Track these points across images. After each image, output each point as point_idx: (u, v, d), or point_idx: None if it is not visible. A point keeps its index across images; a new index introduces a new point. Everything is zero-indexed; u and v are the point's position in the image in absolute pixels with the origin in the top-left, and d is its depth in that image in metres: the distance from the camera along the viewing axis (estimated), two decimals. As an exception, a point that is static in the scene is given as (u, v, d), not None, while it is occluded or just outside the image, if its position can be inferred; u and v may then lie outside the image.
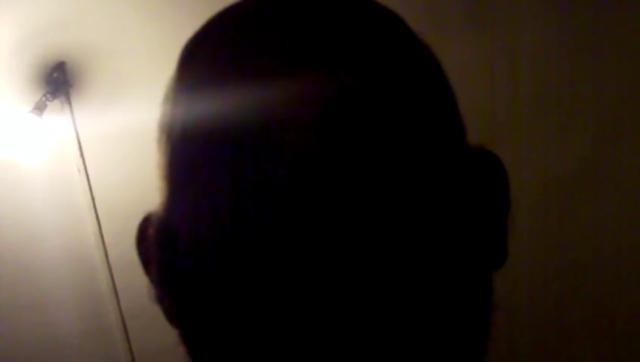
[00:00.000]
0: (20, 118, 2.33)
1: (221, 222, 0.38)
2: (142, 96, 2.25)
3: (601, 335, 2.69)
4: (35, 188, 2.56)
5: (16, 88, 2.37)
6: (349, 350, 0.36)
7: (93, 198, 2.58)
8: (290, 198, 0.36)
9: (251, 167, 0.38)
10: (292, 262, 0.36)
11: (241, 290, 0.38)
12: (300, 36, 0.40)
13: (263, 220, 0.37)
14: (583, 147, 2.45)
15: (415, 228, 0.37)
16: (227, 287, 0.38)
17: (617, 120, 2.40)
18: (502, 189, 0.47)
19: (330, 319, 0.36)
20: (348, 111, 0.38)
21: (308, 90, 0.38)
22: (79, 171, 2.52)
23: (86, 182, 2.54)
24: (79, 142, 2.47)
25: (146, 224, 0.47)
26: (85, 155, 2.49)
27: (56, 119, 2.42)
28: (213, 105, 0.41)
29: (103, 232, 2.66)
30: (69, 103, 2.41)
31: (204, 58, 0.43)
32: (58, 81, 2.35)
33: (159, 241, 0.44)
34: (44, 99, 2.34)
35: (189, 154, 0.41)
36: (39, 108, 2.32)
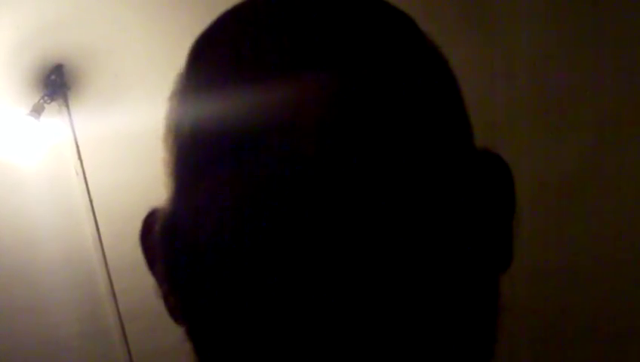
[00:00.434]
0: (18, 121, 2.33)
1: (225, 222, 0.38)
2: (140, 98, 2.25)
3: (601, 335, 2.69)
4: (33, 190, 2.56)
5: (13, 91, 2.37)
6: (354, 351, 0.36)
7: (91, 201, 2.58)
8: (293, 199, 0.36)
9: (254, 167, 0.38)
10: (295, 261, 0.36)
11: (245, 289, 0.38)
12: (306, 37, 0.40)
13: (266, 220, 0.37)
14: (582, 148, 2.45)
15: (420, 231, 0.37)
16: (232, 285, 0.38)
17: (617, 120, 2.41)
18: (508, 192, 0.47)
19: (335, 320, 0.36)
20: (352, 112, 0.38)
21: (312, 91, 0.38)
22: (77, 174, 2.52)
23: (84, 185, 2.54)
24: (77, 145, 2.47)
25: (151, 219, 0.47)
26: (83, 158, 2.49)
27: (54, 122, 2.42)
28: (219, 106, 0.41)
29: (101, 234, 2.66)
30: (67, 106, 2.41)
31: (212, 57, 0.43)
32: (56, 83, 2.35)
33: (166, 237, 0.44)
34: (41, 101, 2.34)
35: (195, 153, 0.41)
36: (37, 110, 2.32)
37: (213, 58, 0.43)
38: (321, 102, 0.38)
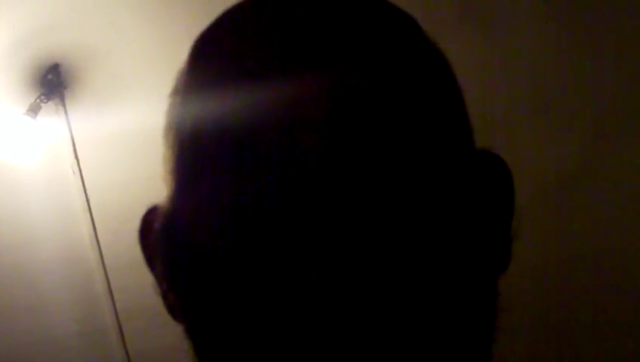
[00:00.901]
0: (15, 120, 2.33)
1: (226, 220, 0.39)
2: (136, 97, 2.25)
3: (601, 334, 2.69)
4: (29, 190, 2.55)
5: (10, 90, 2.36)
6: (353, 351, 0.36)
7: (88, 200, 2.58)
8: (293, 198, 0.36)
9: (255, 166, 0.38)
10: (295, 261, 0.36)
11: (245, 288, 0.38)
12: (307, 36, 0.40)
13: (266, 219, 0.37)
14: (580, 146, 2.45)
15: (421, 231, 0.37)
16: (231, 284, 0.38)
17: (615, 119, 2.41)
18: (507, 193, 0.47)
19: (334, 320, 0.36)
20: (352, 112, 0.38)
21: (313, 90, 0.38)
22: (74, 173, 2.51)
23: (81, 184, 2.54)
24: (74, 144, 2.47)
25: (150, 216, 0.47)
26: (80, 157, 2.49)
27: (51, 121, 2.42)
28: (222, 104, 0.41)
29: (98, 233, 2.66)
30: (64, 105, 2.41)
31: (214, 55, 0.43)
32: (52, 83, 2.35)
33: (165, 235, 0.44)
34: (38, 101, 2.34)
35: (196, 151, 0.41)
36: (33, 110, 2.32)
37: (215, 56, 0.43)
38: (322, 102, 0.38)
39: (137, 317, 2.75)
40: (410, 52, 0.42)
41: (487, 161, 0.46)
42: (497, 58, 2.33)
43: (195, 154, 0.42)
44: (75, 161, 2.49)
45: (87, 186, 2.55)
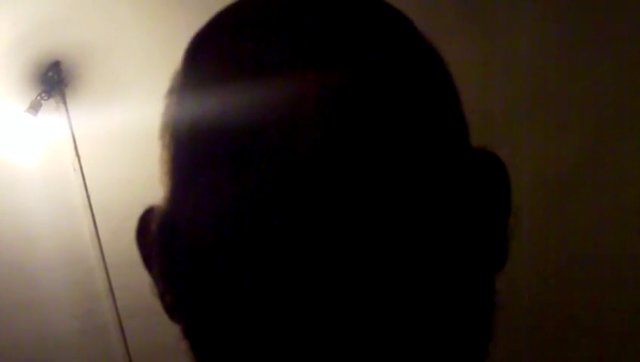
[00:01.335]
0: (16, 118, 2.33)
1: (223, 221, 0.39)
2: (137, 95, 2.25)
3: (601, 334, 2.69)
4: (30, 187, 2.56)
5: (11, 87, 2.36)
6: (350, 349, 0.36)
7: (88, 197, 2.58)
8: (291, 197, 0.36)
9: (253, 166, 0.38)
10: (292, 261, 0.36)
11: (242, 288, 0.38)
12: (304, 35, 0.40)
13: (264, 219, 0.37)
14: (580, 146, 2.45)
15: (418, 229, 0.37)
16: (228, 285, 0.38)
17: (615, 118, 2.41)
18: (503, 191, 0.47)
19: (332, 319, 0.36)
20: (350, 111, 0.38)
21: (311, 89, 0.38)
22: (74, 170, 2.51)
23: (81, 181, 2.54)
24: (74, 141, 2.47)
25: (147, 217, 0.47)
26: (80, 154, 2.49)
27: (52, 118, 2.42)
28: (218, 103, 0.41)
29: (99, 231, 2.66)
30: (64, 102, 2.41)
31: (210, 55, 0.43)
32: (53, 80, 2.35)
33: (162, 236, 0.44)
34: (39, 98, 2.34)
35: (193, 151, 0.41)
36: (34, 107, 2.32)
37: (211, 55, 0.43)
38: (320, 100, 0.38)
39: (138, 314, 2.75)
40: (406, 51, 0.42)
41: (483, 159, 0.46)
42: (497, 57, 2.33)
43: (191, 154, 0.42)
44: (76, 158, 2.49)
45: (87, 183, 2.55)
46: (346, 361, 0.36)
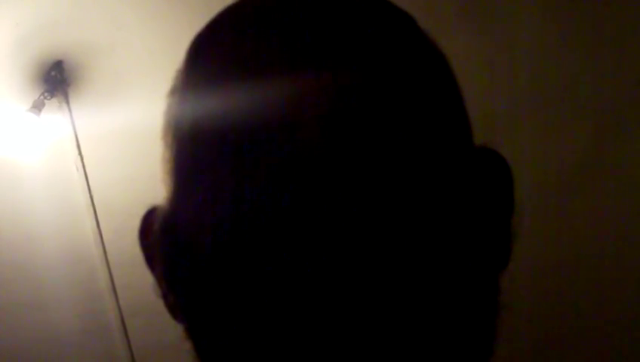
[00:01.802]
0: (18, 117, 2.33)
1: (225, 221, 0.38)
2: (140, 94, 2.26)
3: (601, 334, 2.69)
4: (33, 186, 2.56)
5: (14, 87, 2.37)
6: (353, 349, 0.36)
7: (91, 196, 2.58)
8: (293, 197, 0.36)
9: (255, 165, 0.38)
10: (295, 260, 0.36)
11: (245, 288, 0.38)
12: (306, 34, 0.40)
13: (266, 219, 0.37)
14: (582, 144, 2.45)
15: (421, 228, 0.37)
16: (231, 285, 0.38)
17: (617, 117, 2.40)
18: (507, 189, 0.47)
19: (335, 318, 0.36)
20: (352, 110, 0.38)
21: (313, 88, 0.38)
22: (77, 169, 2.52)
23: (84, 181, 2.54)
24: (77, 141, 2.47)
25: (150, 217, 0.47)
26: (83, 153, 2.49)
27: (55, 118, 2.42)
28: (220, 103, 0.40)
29: (102, 230, 2.66)
30: (67, 102, 2.41)
31: (212, 54, 0.43)
32: (56, 79, 2.35)
33: (165, 236, 0.44)
34: (42, 97, 2.34)
35: (195, 151, 0.41)
36: (37, 106, 2.32)
37: (213, 55, 0.43)
38: (322, 99, 0.38)
39: (141, 313, 2.76)
40: (408, 50, 0.42)
41: (486, 158, 0.46)
42: (499, 55, 2.33)
43: (193, 154, 0.41)
44: (79, 157, 2.49)
45: (90, 183, 2.56)
46: (351, 361, 0.36)
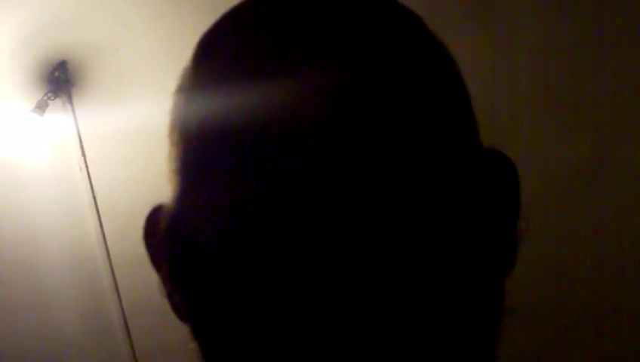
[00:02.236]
0: (22, 117, 2.34)
1: (230, 220, 0.38)
2: (144, 94, 2.26)
3: (601, 334, 2.68)
4: (36, 186, 2.56)
5: (17, 87, 2.37)
6: (357, 350, 0.36)
7: (94, 197, 2.58)
8: (297, 196, 0.36)
9: (259, 164, 0.38)
10: (300, 260, 0.36)
11: (250, 288, 0.38)
12: (312, 34, 0.40)
13: (271, 218, 0.37)
14: (583, 145, 2.45)
15: (426, 229, 0.37)
16: (236, 285, 0.38)
17: (618, 118, 2.40)
18: (513, 191, 0.47)
19: (339, 320, 0.36)
20: (356, 109, 0.38)
21: (318, 88, 0.38)
22: (81, 170, 2.52)
23: (88, 181, 2.55)
24: (81, 141, 2.48)
25: (155, 216, 0.47)
26: (87, 154, 2.50)
27: (58, 118, 2.42)
28: (226, 103, 0.41)
29: (105, 231, 2.66)
30: (71, 102, 2.41)
31: (219, 54, 0.43)
32: (60, 79, 2.35)
33: (170, 235, 0.44)
34: (45, 98, 2.34)
35: (201, 150, 0.41)
36: (41, 107, 2.32)
37: (219, 55, 0.43)
38: (327, 100, 0.38)
39: (144, 314, 2.76)
40: (414, 49, 0.42)
41: (493, 159, 0.46)
42: (502, 56, 2.33)
43: (199, 153, 0.41)
44: (82, 157, 2.50)
45: (93, 183, 2.56)
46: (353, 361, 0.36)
